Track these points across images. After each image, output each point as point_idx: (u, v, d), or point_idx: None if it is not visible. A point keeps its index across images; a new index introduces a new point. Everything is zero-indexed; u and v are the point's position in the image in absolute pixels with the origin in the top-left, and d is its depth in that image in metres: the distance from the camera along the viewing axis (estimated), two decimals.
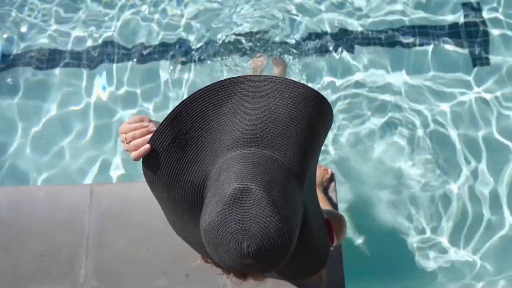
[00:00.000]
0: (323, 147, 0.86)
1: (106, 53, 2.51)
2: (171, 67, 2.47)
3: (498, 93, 2.34)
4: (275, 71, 2.40)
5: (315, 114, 0.77)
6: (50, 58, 2.51)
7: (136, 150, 0.77)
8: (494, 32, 2.44)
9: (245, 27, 2.51)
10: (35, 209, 1.70)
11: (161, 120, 0.78)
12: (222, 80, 0.77)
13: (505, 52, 2.40)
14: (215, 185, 0.72)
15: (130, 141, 0.78)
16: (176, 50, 2.50)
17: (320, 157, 2.02)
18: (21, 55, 2.52)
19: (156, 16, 2.58)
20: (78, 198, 1.71)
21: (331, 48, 2.46)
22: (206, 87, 0.77)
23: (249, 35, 2.49)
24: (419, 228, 2.15)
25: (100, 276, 1.61)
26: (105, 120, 2.39)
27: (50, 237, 1.66)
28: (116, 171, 2.27)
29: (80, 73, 2.49)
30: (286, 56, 2.45)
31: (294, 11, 2.54)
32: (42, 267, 1.63)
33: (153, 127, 0.79)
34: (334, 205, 1.73)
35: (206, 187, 0.76)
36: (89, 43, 2.53)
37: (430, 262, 2.10)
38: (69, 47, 2.53)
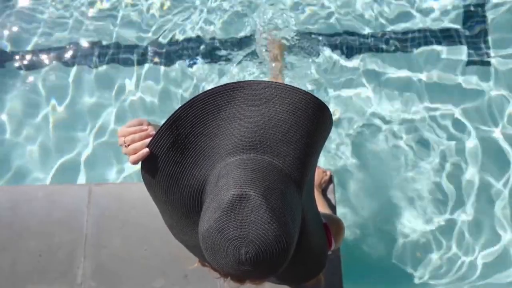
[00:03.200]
0: (322, 150, 0.86)
1: (121, 53, 2.52)
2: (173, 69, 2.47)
3: None
4: (272, 54, 2.36)
5: (314, 120, 0.76)
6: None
7: (135, 153, 0.77)
8: None
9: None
10: (33, 209, 1.70)
11: (160, 124, 0.78)
12: (222, 85, 0.77)
13: None
14: (213, 191, 0.72)
15: (129, 145, 0.78)
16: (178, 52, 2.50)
17: (319, 159, 2.03)
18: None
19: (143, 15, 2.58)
20: (77, 198, 1.71)
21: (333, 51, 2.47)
22: (206, 91, 0.77)
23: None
24: (418, 232, 2.15)
25: (98, 276, 1.61)
26: (105, 120, 2.38)
27: (48, 236, 1.66)
28: (115, 171, 2.27)
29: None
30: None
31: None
32: (40, 267, 1.63)
33: (152, 131, 0.79)
34: (333, 207, 1.73)
35: (205, 192, 0.76)
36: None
37: (429, 267, 2.10)
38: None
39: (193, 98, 0.76)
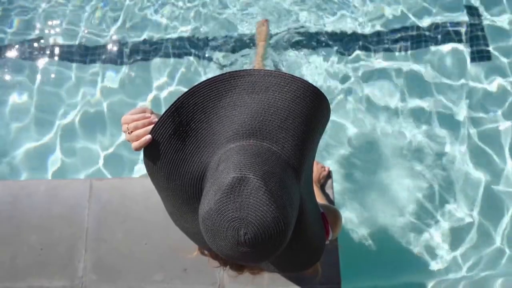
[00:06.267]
0: (321, 144, 0.88)
1: (111, 49, 2.54)
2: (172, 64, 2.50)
3: None
4: (258, 35, 2.41)
5: (313, 108, 0.78)
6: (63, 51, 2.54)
7: (137, 140, 0.79)
8: None
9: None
10: (34, 203, 1.71)
11: (162, 112, 0.80)
12: (223, 74, 0.79)
13: None
14: (214, 175, 0.74)
15: (132, 132, 0.80)
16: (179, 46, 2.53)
17: (318, 154, 2.05)
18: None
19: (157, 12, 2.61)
20: (78, 193, 1.72)
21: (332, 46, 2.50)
22: (206, 80, 0.79)
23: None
24: (416, 223, 2.17)
25: (98, 269, 1.62)
26: (106, 114, 2.40)
27: (49, 230, 1.67)
28: (115, 166, 2.28)
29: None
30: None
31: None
32: (41, 261, 1.64)
33: (154, 118, 0.81)
34: (331, 202, 1.75)
35: (205, 178, 0.78)
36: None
37: (426, 257, 2.12)
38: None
39: (194, 86, 0.78)
